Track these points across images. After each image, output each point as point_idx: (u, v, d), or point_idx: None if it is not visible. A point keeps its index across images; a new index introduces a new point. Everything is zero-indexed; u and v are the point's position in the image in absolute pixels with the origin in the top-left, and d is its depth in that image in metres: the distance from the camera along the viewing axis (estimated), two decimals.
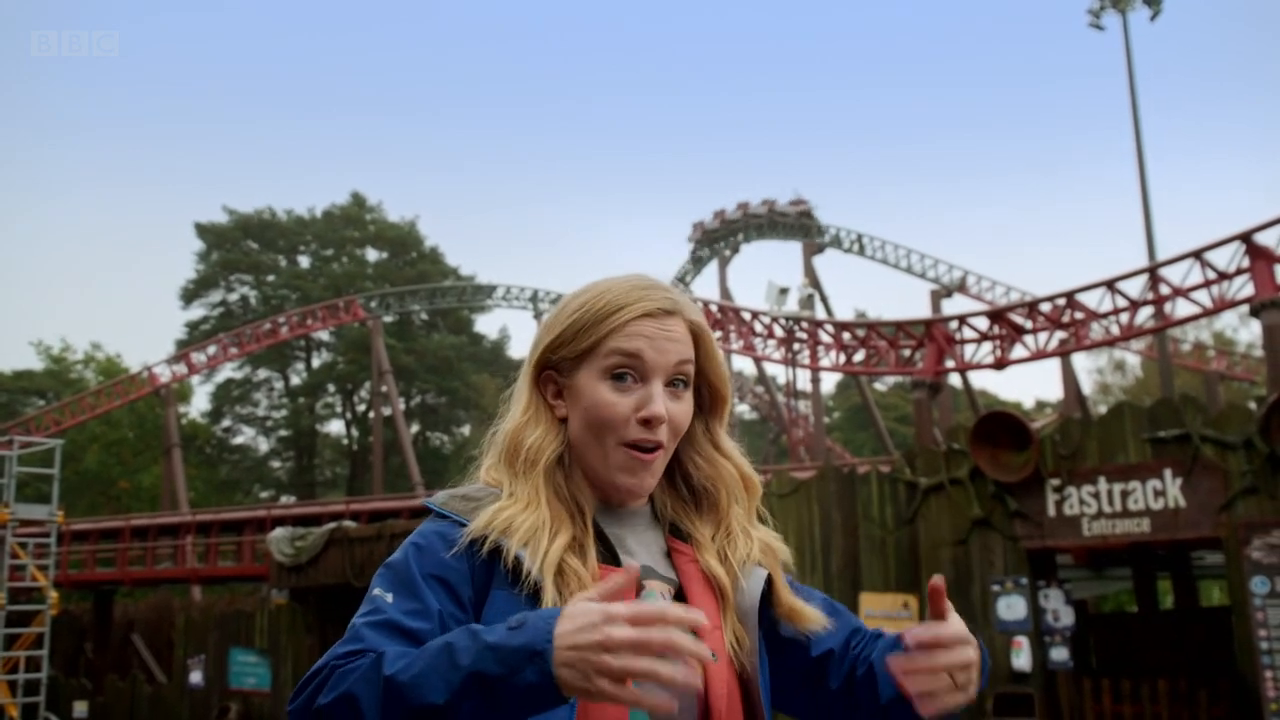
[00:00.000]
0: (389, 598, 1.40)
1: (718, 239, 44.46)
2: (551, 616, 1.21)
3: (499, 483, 1.56)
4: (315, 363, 56.85)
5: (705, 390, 1.64)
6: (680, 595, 1.54)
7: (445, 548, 1.44)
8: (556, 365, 1.58)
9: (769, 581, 1.62)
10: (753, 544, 1.63)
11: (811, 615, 1.64)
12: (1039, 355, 24.15)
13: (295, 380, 56.79)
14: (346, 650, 1.32)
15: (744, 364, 50.19)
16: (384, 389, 42.32)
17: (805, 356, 28.37)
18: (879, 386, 58.50)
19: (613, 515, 1.58)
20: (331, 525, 16.53)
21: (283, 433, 56.85)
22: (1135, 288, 22.74)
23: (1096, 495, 11.67)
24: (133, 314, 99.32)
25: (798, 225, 41.77)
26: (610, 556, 1.52)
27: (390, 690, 1.22)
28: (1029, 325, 23.92)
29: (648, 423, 1.51)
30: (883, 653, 1.56)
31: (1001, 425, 12.34)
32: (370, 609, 1.39)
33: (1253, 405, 11.95)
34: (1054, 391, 57.20)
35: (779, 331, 28.57)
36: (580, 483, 1.57)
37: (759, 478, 1.72)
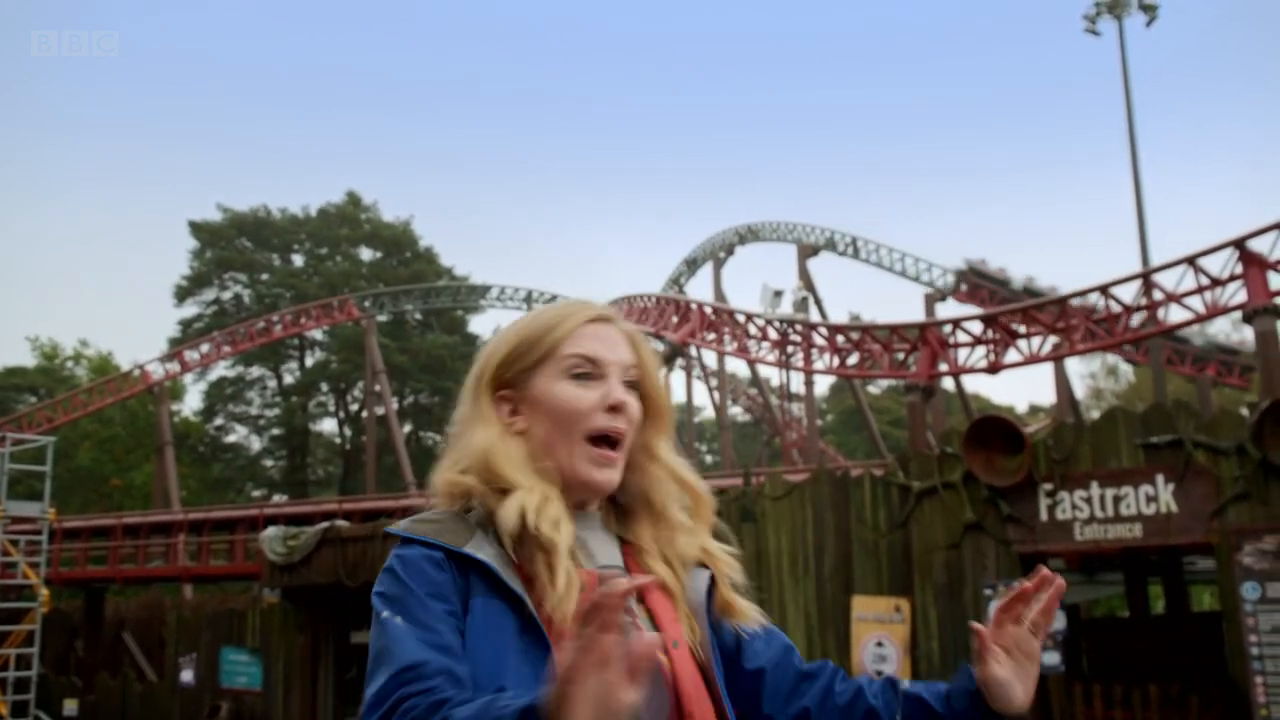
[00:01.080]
0: (403, 621, 1.45)
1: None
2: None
3: (459, 500, 1.60)
4: (308, 361, 56.79)
5: (644, 402, 1.68)
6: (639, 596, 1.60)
7: (431, 566, 1.49)
8: (510, 382, 1.66)
9: (712, 580, 1.66)
10: (692, 544, 1.68)
11: (746, 609, 1.69)
12: (1032, 359, 24.18)
13: (288, 379, 56.74)
14: (414, 687, 1.36)
15: (738, 366, 50.21)
16: (377, 388, 42.28)
17: (799, 359, 28.39)
18: (872, 390, 58.55)
19: (574, 518, 1.61)
20: (324, 524, 16.51)
21: (275, 431, 56.78)
22: (1129, 293, 22.78)
23: (1089, 500, 11.70)
24: (126, 311, 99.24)
25: None
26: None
27: None
28: (1023, 329, 23.96)
29: (614, 409, 1.59)
30: (879, 691, 1.64)
31: (995, 429, 12.36)
32: (395, 639, 1.42)
33: (1245, 411, 11.99)
34: (1047, 396, 57.31)
35: (773, 334, 28.58)
36: None
37: (706, 491, 1.74)
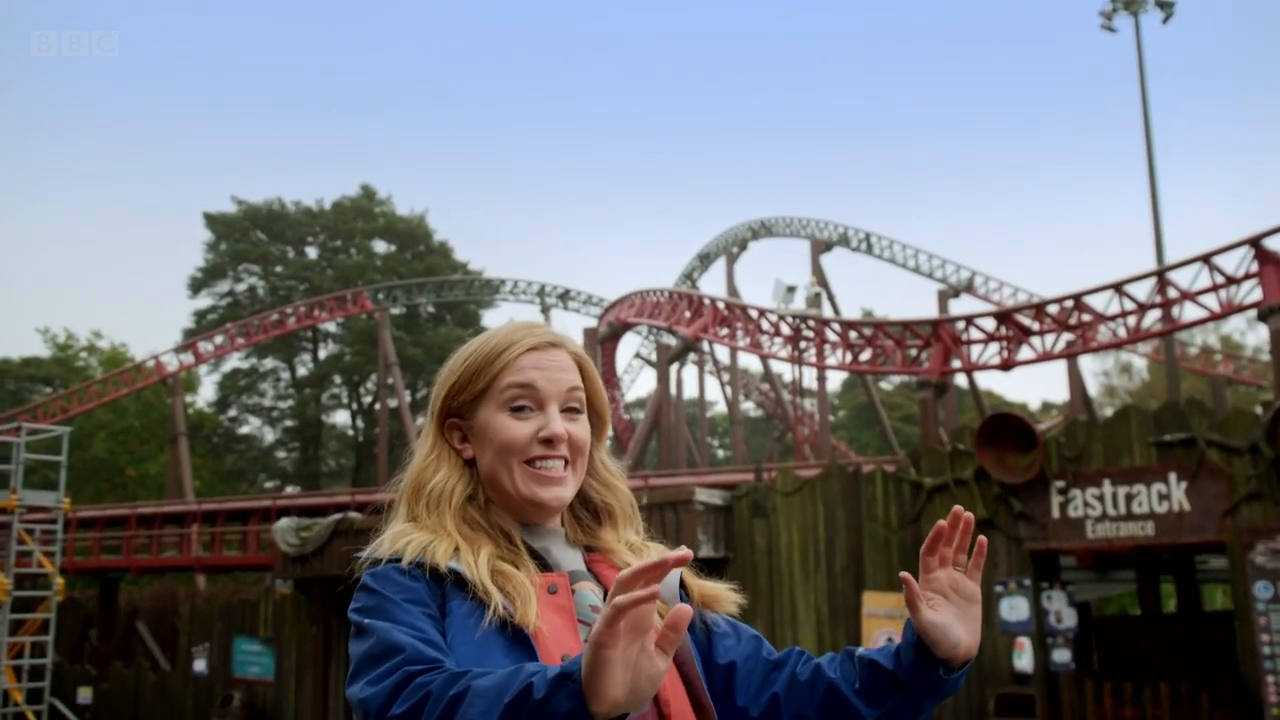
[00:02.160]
0: (384, 622, 1.48)
1: None
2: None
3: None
4: (322, 354, 56.95)
5: (592, 416, 1.76)
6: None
7: (403, 576, 1.55)
8: (458, 412, 1.72)
9: (682, 578, 1.71)
10: (649, 548, 1.78)
11: (724, 594, 1.75)
12: (1045, 357, 24.11)
13: (302, 371, 56.91)
14: (419, 666, 1.40)
15: (750, 362, 50.22)
16: (390, 381, 42.38)
17: (811, 355, 28.35)
18: (885, 386, 58.47)
19: (534, 533, 1.70)
20: (337, 516, 16.59)
21: (288, 423, 56.99)
22: (1143, 291, 22.70)
23: (1101, 498, 11.68)
24: (141, 303, 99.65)
25: None
26: (544, 566, 1.64)
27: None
28: (1036, 327, 23.89)
29: (548, 442, 1.65)
30: (838, 662, 1.66)
31: (1007, 427, 12.36)
32: (381, 639, 1.45)
33: (1259, 410, 11.95)
34: (1060, 393, 57.14)
35: (785, 329, 28.55)
36: (499, 512, 1.69)
37: (629, 494, 1.85)
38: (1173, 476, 11.35)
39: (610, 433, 1.88)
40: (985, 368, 24.91)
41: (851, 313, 45.45)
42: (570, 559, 1.69)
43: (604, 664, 1.21)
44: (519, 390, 1.66)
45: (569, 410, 1.70)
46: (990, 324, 24.56)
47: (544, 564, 1.65)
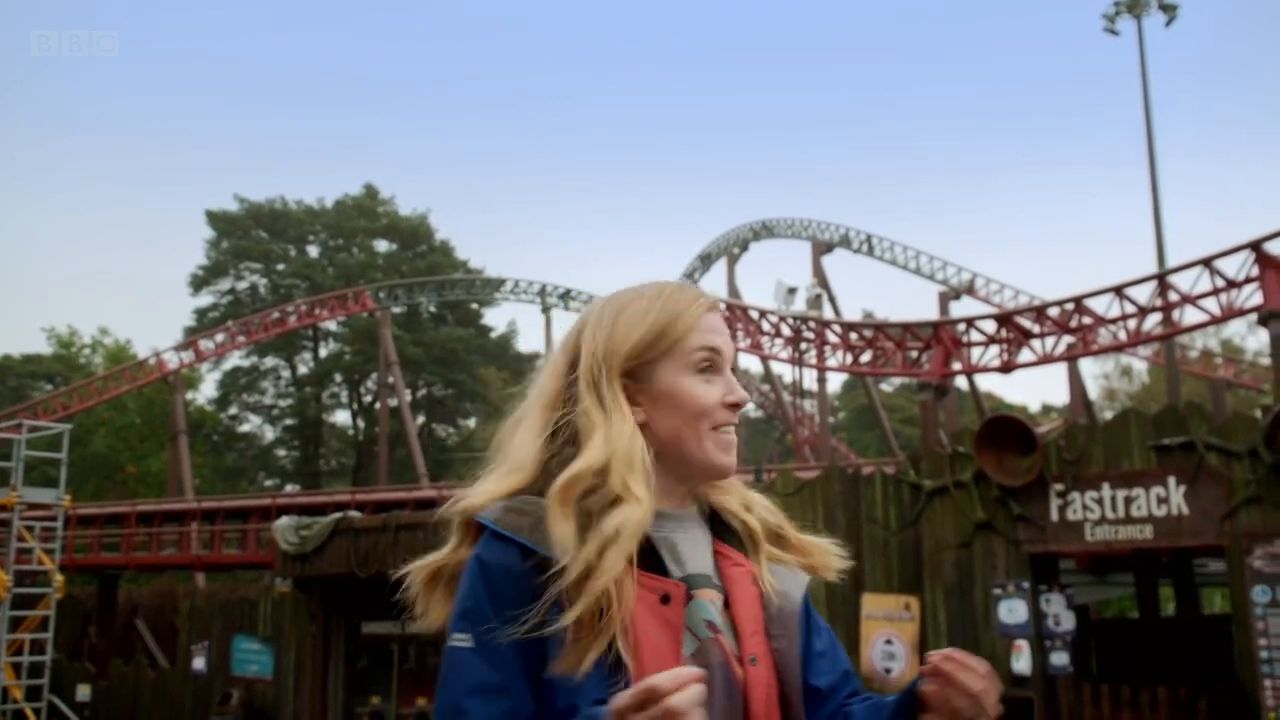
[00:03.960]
0: (469, 644, 1.43)
1: None
2: None
3: (532, 487, 1.54)
4: (323, 352, 57.00)
5: None
6: (728, 601, 1.56)
7: (511, 579, 1.44)
8: (630, 372, 1.58)
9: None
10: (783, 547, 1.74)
11: (831, 555, 1.78)
12: (1046, 360, 24.14)
13: (302, 369, 56.96)
14: None
15: (750, 362, 50.19)
16: (391, 380, 42.42)
17: (812, 356, 28.39)
18: (885, 387, 58.47)
19: (668, 521, 1.57)
20: (337, 515, 16.58)
21: (289, 421, 57.01)
22: (1144, 294, 22.72)
23: (1100, 501, 11.69)
24: (143, 301, 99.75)
25: None
26: (658, 566, 1.50)
27: None
28: (1037, 329, 23.91)
29: (734, 407, 1.61)
30: (870, 710, 1.59)
31: (1007, 429, 12.36)
32: (455, 667, 1.44)
33: (1259, 414, 11.96)
34: (1060, 396, 57.17)
35: (786, 331, 28.58)
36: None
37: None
38: (1172, 480, 11.35)
39: None
40: (985, 370, 24.95)
41: (852, 314, 45.41)
42: (699, 554, 1.58)
43: None
44: (708, 353, 1.59)
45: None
46: (991, 326, 24.58)
47: (658, 563, 1.50)
